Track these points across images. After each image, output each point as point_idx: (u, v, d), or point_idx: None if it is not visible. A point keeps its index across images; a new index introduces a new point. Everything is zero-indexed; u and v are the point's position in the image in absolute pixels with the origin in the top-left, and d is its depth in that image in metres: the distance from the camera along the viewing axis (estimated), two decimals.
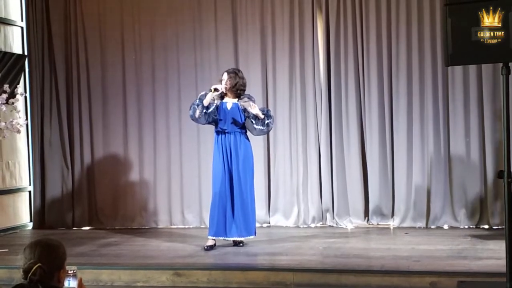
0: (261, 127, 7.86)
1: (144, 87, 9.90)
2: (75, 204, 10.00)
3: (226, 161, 7.85)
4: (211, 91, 7.78)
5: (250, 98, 7.94)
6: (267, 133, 8.40)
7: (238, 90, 7.89)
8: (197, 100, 7.85)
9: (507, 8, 5.34)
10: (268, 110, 8.03)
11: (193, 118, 7.89)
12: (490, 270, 6.32)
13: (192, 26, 9.77)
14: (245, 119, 7.87)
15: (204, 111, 7.77)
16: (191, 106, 7.93)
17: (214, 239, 7.92)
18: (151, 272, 6.86)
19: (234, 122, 7.86)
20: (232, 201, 7.83)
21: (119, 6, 9.97)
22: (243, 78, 7.97)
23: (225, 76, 7.90)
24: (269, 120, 7.90)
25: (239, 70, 8.10)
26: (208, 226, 8.09)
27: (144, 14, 9.89)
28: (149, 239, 8.74)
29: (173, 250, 7.96)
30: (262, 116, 7.81)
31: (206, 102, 7.77)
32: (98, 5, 10.02)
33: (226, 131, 7.87)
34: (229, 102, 7.90)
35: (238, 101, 7.89)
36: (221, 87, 7.83)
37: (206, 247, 7.87)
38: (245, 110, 7.83)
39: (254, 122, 7.81)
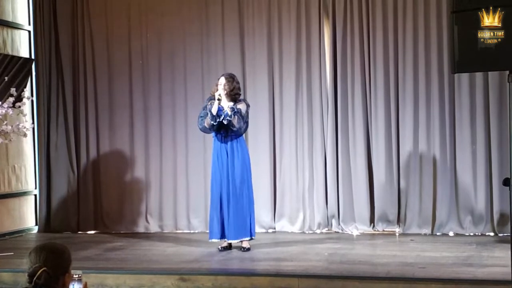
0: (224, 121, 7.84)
1: (151, 92, 9.91)
2: (80, 208, 10.01)
3: (223, 164, 7.91)
4: (219, 100, 7.82)
5: (245, 101, 8.10)
6: (235, 130, 8.09)
7: (235, 94, 7.98)
8: (202, 112, 7.91)
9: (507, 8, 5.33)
10: (234, 110, 7.89)
11: (204, 129, 7.97)
12: (496, 278, 6.29)
13: (199, 32, 9.77)
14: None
15: (217, 120, 7.80)
16: (198, 119, 7.98)
17: (226, 241, 7.99)
18: (156, 277, 6.85)
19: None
20: (229, 204, 7.88)
21: (126, 11, 9.99)
22: (238, 83, 8.08)
23: (223, 80, 7.97)
24: (229, 118, 7.81)
25: (234, 75, 8.14)
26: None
27: (152, 19, 9.90)
28: (154, 244, 8.74)
29: (178, 255, 7.96)
30: (229, 112, 7.83)
31: (214, 111, 7.81)
32: (105, 9, 10.04)
33: (223, 135, 7.94)
34: (225, 106, 7.92)
35: (234, 105, 7.92)
36: (222, 93, 7.88)
37: (220, 248, 7.97)
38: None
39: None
